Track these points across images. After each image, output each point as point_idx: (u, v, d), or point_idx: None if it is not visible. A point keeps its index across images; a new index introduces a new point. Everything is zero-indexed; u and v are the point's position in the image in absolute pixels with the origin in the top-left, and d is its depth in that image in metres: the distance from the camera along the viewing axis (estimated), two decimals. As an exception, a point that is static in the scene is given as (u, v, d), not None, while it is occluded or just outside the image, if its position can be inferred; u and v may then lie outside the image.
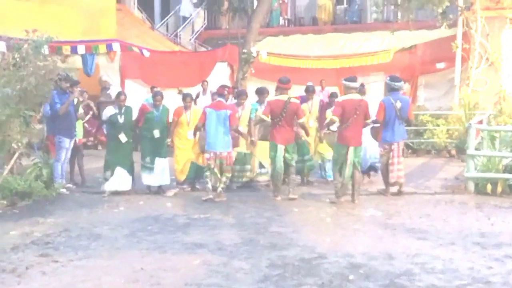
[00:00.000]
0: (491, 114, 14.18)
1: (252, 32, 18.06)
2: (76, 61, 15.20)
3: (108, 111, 10.46)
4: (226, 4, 20.84)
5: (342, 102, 9.56)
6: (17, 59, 10.20)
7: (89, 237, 7.71)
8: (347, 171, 9.40)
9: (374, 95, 16.36)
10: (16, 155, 10.18)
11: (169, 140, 10.61)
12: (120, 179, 10.39)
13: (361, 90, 11.02)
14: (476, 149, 10.71)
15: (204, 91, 16.31)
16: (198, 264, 6.52)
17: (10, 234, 7.90)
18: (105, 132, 11.21)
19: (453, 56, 16.02)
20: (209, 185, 9.87)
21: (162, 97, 10.72)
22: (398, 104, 9.84)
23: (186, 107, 10.57)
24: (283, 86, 10.00)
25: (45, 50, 10.69)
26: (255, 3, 19.91)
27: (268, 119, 9.80)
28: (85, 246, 7.34)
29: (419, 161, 13.71)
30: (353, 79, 9.73)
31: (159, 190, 10.62)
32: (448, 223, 8.35)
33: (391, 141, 9.93)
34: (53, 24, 13.03)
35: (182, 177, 10.70)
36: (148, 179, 10.57)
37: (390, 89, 10.08)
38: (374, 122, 10.02)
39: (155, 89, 12.47)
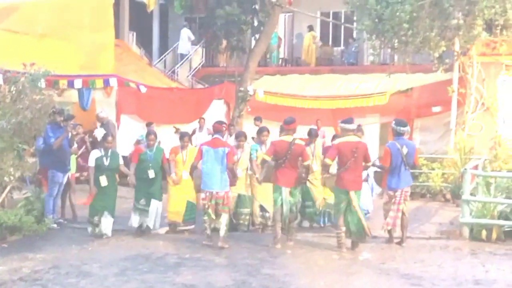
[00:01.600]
0: (486, 159, 14.18)
1: (249, 71, 18.16)
2: (72, 95, 15.19)
3: (94, 155, 10.19)
4: (224, 42, 21.01)
5: (338, 144, 9.31)
6: (13, 92, 10.19)
7: (78, 275, 7.61)
8: (352, 217, 9.04)
9: (370, 136, 16.36)
10: (8, 188, 10.10)
11: (173, 174, 10.36)
12: (105, 224, 10.03)
13: (359, 130, 10.84)
14: (471, 194, 10.64)
15: (201, 128, 16.30)
16: (188, 306, 6.41)
17: (-2, 269, 7.79)
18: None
19: (449, 100, 16.05)
20: (208, 231, 9.38)
21: (156, 137, 10.53)
22: (405, 150, 9.48)
23: (183, 147, 10.42)
24: (287, 126, 9.59)
25: (42, 83, 10.69)
26: (253, 42, 20.08)
27: (270, 160, 9.34)
28: (74, 284, 7.23)
29: (414, 204, 13.60)
30: (350, 121, 9.44)
31: (147, 231, 10.27)
32: (442, 269, 8.26)
33: (396, 188, 9.52)
34: (51, 58, 13.04)
35: (177, 218, 10.42)
36: (141, 220, 10.25)
37: (396, 134, 9.69)
38: (379, 167, 9.81)
39: (148, 128, 11.81)
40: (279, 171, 9.37)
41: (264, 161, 9.51)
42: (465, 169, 10.75)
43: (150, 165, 10.18)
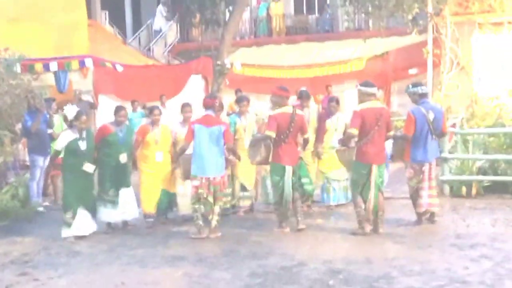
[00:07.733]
0: (463, 118, 14.36)
1: (225, 44, 18.05)
2: (48, 78, 15.10)
3: (66, 137, 8.56)
4: (198, 16, 20.88)
5: (360, 111, 7.87)
6: (-11, 79, 10.15)
7: (68, 254, 7.69)
8: (372, 194, 7.84)
9: (348, 103, 16.52)
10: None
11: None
12: (82, 222, 8.52)
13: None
14: (450, 152, 10.84)
15: (163, 104, 15.83)
16: (179, 276, 6.54)
17: (-13, 254, 7.85)
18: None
19: (425, 61, 16.18)
20: (200, 221, 8.13)
21: (126, 113, 9.22)
22: (431, 115, 8.20)
23: (154, 122, 9.04)
24: (285, 94, 8.36)
25: (18, 68, 10.65)
26: (228, 15, 19.99)
27: (273, 136, 8.12)
28: (65, 263, 7.31)
29: (395, 166, 13.73)
30: (370, 84, 8.05)
31: (124, 226, 9.07)
32: (424, 226, 8.45)
33: (423, 161, 8.28)
34: (25, 42, 13.00)
35: (150, 209, 9.05)
36: (111, 214, 8.82)
37: (418, 97, 8.31)
38: (400, 137, 8.50)
39: (117, 105, 9.62)
40: (281, 149, 8.20)
41: (266, 138, 8.24)
42: (443, 127, 10.89)
43: (122, 148, 8.78)
